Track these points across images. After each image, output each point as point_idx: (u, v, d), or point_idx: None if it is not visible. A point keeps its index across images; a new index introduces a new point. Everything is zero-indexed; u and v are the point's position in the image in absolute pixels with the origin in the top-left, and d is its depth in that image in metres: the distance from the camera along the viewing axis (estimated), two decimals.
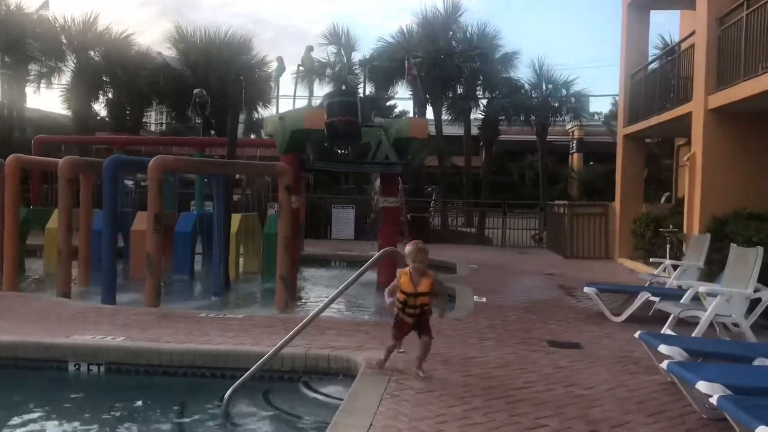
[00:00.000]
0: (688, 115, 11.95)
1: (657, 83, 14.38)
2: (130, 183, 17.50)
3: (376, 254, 6.11)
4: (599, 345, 7.23)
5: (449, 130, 26.33)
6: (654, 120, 13.96)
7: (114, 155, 9.49)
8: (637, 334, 6.06)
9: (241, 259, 14.15)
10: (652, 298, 8.78)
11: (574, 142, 44.89)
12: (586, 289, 8.97)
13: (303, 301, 11.40)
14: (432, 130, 24.90)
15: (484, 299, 10.00)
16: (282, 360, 6.04)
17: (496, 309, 9.26)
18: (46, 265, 12.73)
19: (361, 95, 16.66)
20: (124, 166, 9.34)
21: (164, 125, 40.83)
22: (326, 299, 6.13)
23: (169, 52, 24.83)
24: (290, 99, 13.52)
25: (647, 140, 17.53)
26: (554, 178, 34.02)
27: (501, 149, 36.46)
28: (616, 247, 16.68)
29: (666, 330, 6.85)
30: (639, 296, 8.62)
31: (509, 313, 8.96)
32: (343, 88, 12.07)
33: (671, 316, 7.07)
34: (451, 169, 30.11)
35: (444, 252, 17.29)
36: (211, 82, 22.93)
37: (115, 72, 25.67)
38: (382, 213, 12.41)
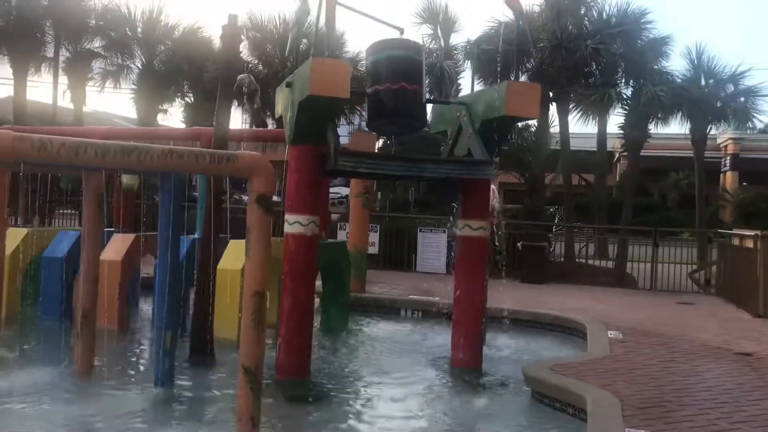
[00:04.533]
0: None
1: None
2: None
3: None
4: None
5: (575, 143, 20.63)
6: None
7: None
8: None
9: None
10: None
11: (728, 158, 39.48)
12: None
13: (312, 402, 6.50)
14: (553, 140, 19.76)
15: None
16: None
17: None
18: None
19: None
20: None
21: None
22: None
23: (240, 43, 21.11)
24: None
25: None
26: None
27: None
28: None
29: None
30: None
31: None
32: (401, 36, 7.10)
33: None
34: (580, 186, 24.54)
35: (567, 299, 12.01)
36: (287, 75, 18.91)
37: (182, 69, 22.34)
38: (461, 245, 7.42)
